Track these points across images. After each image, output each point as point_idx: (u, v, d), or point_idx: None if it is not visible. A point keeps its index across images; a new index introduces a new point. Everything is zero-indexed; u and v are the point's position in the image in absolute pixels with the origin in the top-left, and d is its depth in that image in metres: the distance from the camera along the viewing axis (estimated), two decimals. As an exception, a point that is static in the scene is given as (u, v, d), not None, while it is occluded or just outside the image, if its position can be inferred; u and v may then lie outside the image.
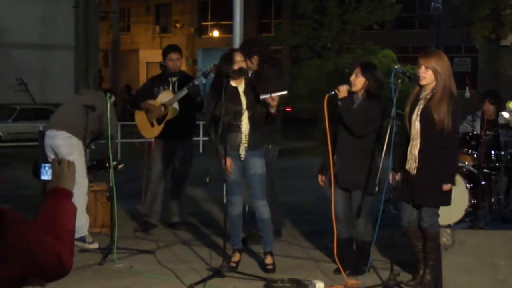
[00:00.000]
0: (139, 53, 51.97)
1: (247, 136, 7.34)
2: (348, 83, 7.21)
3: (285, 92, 7.22)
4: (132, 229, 9.21)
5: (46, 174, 3.18)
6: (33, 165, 3.36)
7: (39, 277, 2.90)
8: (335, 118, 7.29)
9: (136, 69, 50.37)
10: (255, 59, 8.37)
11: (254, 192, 7.48)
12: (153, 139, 9.26)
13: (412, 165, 6.74)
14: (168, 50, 9.39)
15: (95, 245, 8.23)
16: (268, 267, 7.44)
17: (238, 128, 7.33)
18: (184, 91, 8.79)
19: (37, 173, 3.24)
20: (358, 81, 7.20)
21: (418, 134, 6.72)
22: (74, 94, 9.05)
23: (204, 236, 9.02)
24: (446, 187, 6.70)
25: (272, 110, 7.15)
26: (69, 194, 3.08)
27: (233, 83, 7.36)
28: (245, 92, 7.38)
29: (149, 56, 49.24)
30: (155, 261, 7.83)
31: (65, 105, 8.89)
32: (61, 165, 3.12)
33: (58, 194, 3.07)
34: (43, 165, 3.19)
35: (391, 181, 6.90)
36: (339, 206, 7.32)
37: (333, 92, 7.14)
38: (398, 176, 6.90)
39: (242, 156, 7.35)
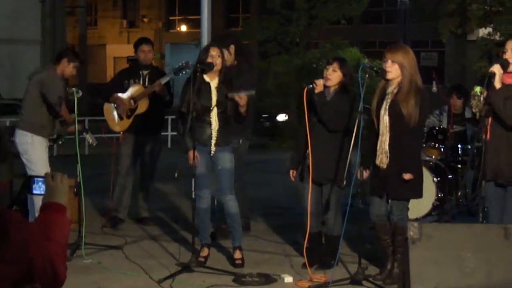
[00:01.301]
0: (106, 48, 51.66)
1: (216, 132, 7.32)
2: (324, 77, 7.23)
3: (253, 93, 7.22)
4: (100, 225, 9.17)
5: (39, 189, 3.14)
6: (24, 179, 3.26)
7: (34, 282, 2.90)
8: (307, 112, 7.27)
9: (103, 64, 50.05)
10: (232, 48, 8.38)
11: (222, 187, 7.47)
12: (121, 133, 9.23)
13: (383, 160, 6.77)
14: (140, 41, 9.39)
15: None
16: (237, 262, 7.44)
17: (207, 124, 7.32)
18: (154, 86, 8.80)
19: (29, 187, 3.17)
20: (335, 76, 7.22)
21: (387, 129, 6.75)
22: (29, 82, 8.55)
23: (172, 231, 9.00)
24: (406, 176, 6.73)
25: (242, 110, 7.15)
26: (63, 209, 3.09)
27: (206, 78, 7.33)
28: (217, 88, 7.34)
29: (117, 50, 48.98)
30: (124, 256, 7.80)
31: (24, 100, 8.54)
32: (54, 179, 3.10)
33: (53, 208, 3.07)
34: (36, 179, 3.14)
35: (358, 177, 6.93)
36: (312, 201, 7.33)
37: (311, 86, 7.14)
38: (366, 173, 6.94)
39: (213, 151, 7.34)
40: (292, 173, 7.51)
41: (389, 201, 6.90)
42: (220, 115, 7.31)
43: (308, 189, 7.24)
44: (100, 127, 8.59)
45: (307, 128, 7.16)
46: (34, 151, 8.15)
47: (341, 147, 7.18)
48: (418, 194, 6.92)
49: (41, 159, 8.16)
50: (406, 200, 6.89)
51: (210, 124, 7.32)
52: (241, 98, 7.08)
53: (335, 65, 7.23)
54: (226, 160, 7.39)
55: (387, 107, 6.75)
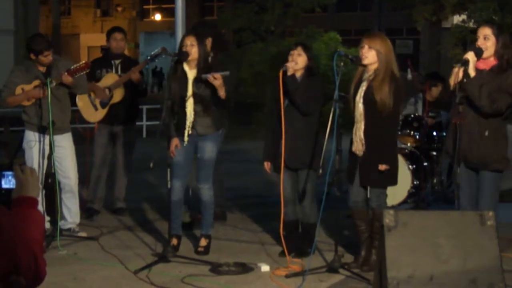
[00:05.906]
0: (80, 37, 51.42)
1: (191, 123, 7.29)
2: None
3: (228, 73, 7.17)
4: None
5: (9, 183, 3.07)
6: None
7: (18, 276, 2.86)
8: (278, 97, 7.24)
9: (77, 54, 49.81)
10: (208, 41, 8.35)
11: (198, 175, 7.47)
12: (96, 124, 9.16)
13: (358, 147, 6.80)
14: (112, 30, 9.38)
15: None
16: (199, 249, 7.45)
17: (183, 113, 7.29)
18: (130, 74, 8.75)
19: None
20: (301, 60, 7.23)
21: (362, 116, 6.77)
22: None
23: (148, 222, 8.97)
24: (381, 167, 6.76)
25: (221, 93, 7.10)
26: (35, 203, 3.03)
27: (186, 68, 7.30)
28: (195, 79, 7.30)
29: (90, 40, 48.80)
30: (99, 247, 7.76)
31: None
32: (24, 172, 3.04)
33: (25, 204, 3.00)
34: (5, 173, 3.06)
35: (337, 165, 6.91)
36: (287, 188, 7.33)
37: (285, 68, 7.12)
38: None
39: (185, 141, 7.31)
40: (267, 165, 7.48)
41: (368, 188, 6.92)
42: (197, 105, 7.28)
43: (283, 176, 7.23)
44: (73, 117, 8.50)
45: (282, 112, 7.10)
46: (26, 145, 8.05)
47: (316, 133, 7.19)
48: (393, 182, 6.96)
49: (32, 154, 7.99)
50: (382, 187, 6.91)
51: (186, 113, 7.29)
52: (216, 78, 7.04)
53: (300, 49, 7.25)
54: (206, 150, 7.38)
55: (362, 94, 6.78)
